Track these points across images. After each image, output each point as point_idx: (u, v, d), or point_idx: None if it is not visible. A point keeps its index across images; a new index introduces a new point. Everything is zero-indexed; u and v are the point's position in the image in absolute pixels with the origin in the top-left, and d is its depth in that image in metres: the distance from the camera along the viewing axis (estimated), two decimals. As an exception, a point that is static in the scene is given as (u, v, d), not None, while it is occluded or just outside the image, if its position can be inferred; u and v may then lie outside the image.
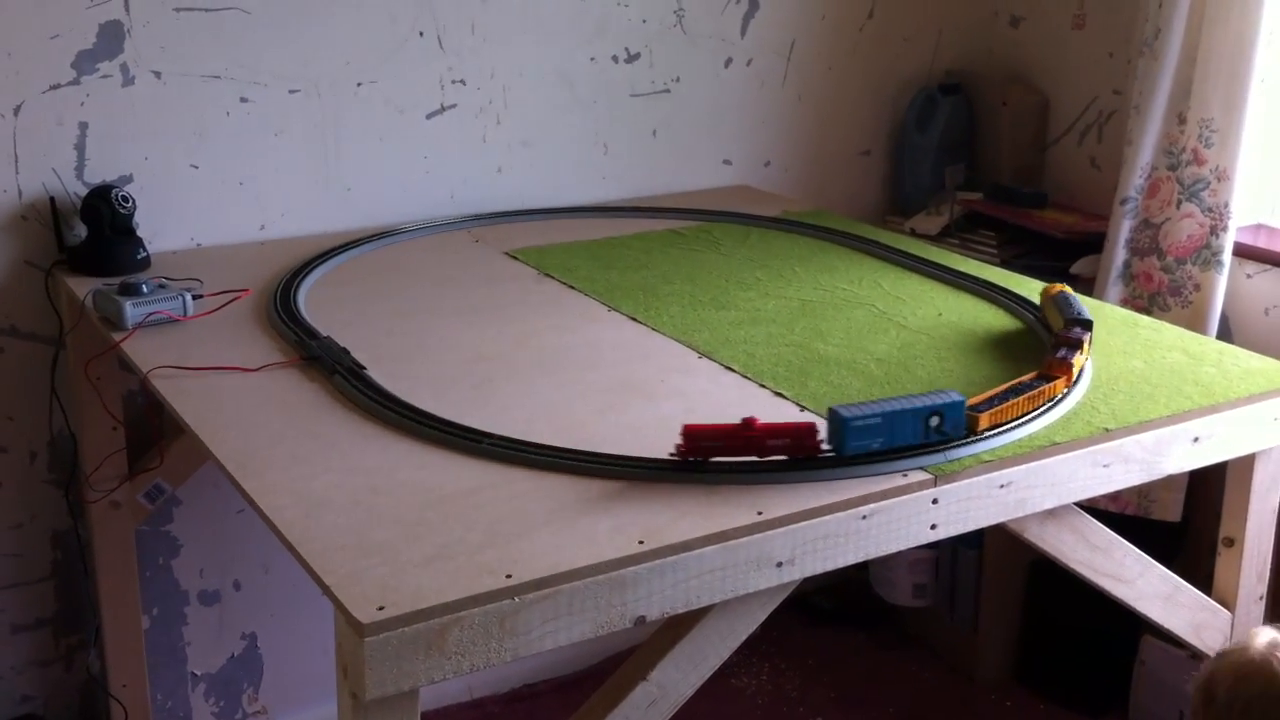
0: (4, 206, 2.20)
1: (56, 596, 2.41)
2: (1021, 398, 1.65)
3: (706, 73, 2.80)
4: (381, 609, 1.23)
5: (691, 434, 1.50)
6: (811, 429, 1.51)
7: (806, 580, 1.48)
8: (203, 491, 2.44)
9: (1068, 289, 2.03)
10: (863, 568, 2.97)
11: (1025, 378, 1.71)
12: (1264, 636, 1.48)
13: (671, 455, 1.51)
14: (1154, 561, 1.82)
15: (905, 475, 1.51)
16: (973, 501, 1.55)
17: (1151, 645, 2.59)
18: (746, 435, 1.50)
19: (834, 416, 1.52)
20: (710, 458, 1.50)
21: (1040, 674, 2.83)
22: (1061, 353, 1.76)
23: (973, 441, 1.57)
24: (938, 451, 1.54)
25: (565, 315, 2.04)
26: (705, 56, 2.79)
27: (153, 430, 2.31)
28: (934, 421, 1.55)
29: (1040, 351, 1.88)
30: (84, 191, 2.22)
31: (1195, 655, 1.95)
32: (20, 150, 2.19)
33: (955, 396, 1.57)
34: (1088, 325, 1.86)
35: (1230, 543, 1.91)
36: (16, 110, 2.17)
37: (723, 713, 2.74)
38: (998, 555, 2.77)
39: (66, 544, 2.39)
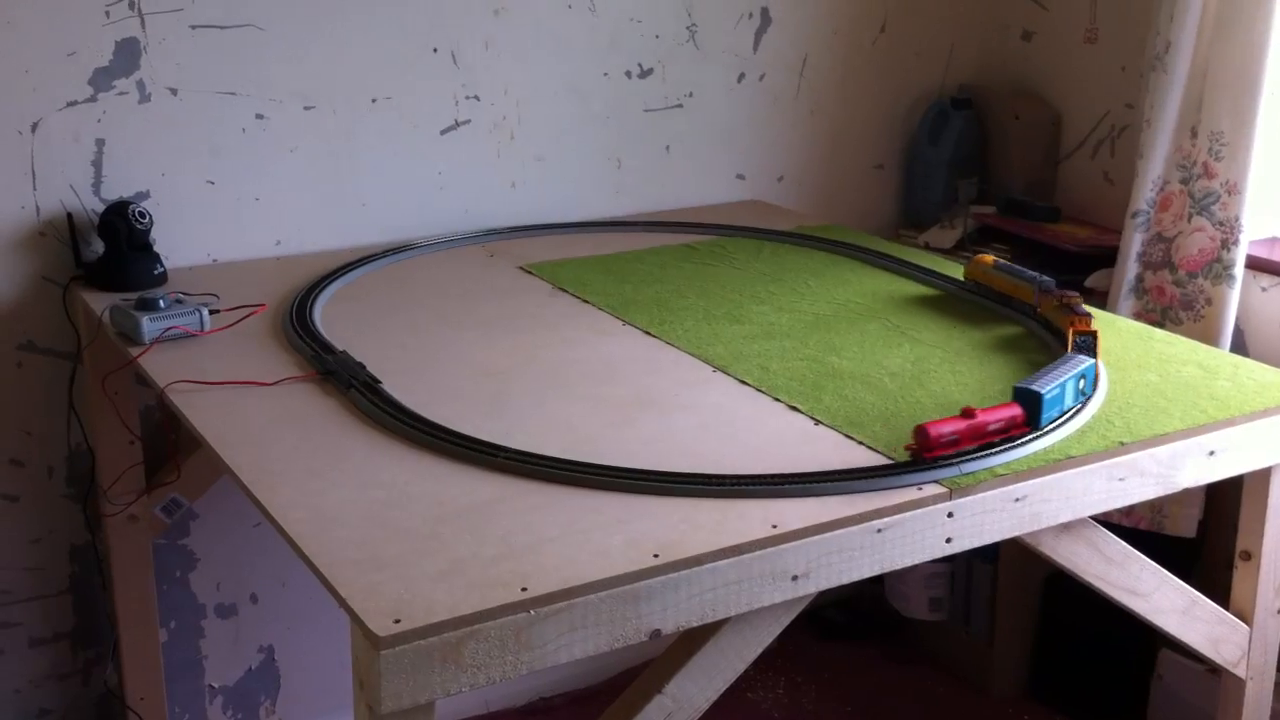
0: (22, 223, 2.22)
1: (74, 610, 2.42)
2: (1095, 351, 1.84)
3: (719, 88, 2.81)
4: (397, 622, 1.23)
5: (925, 432, 1.54)
6: (1021, 411, 1.62)
7: (822, 594, 1.48)
8: (220, 505, 2.46)
9: (998, 258, 2.19)
10: (878, 581, 2.97)
11: (1071, 340, 1.85)
12: None
13: (909, 455, 1.57)
14: (1170, 575, 1.82)
15: (920, 489, 1.51)
16: (987, 515, 1.55)
17: (1169, 659, 2.58)
18: (974, 424, 1.56)
19: (1029, 394, 1.63)
20: (943, 452, 1.55)
21: (1056, 688, 2.82)
22: (1080, 310, 1.93)
23: (987, 454, 1.57)
24: (951, 464, 1.54)
25: (579, 329, 2.05)
26: (718, 71, 2.80)
27: (169, 444, 2.33)
28: (1081, 384, 1.72)
29: (1041, 355, 1.89)
30: (101, 208, 2.24)
31: (1213, 669, 1.95)
32: (38, 167, 2.21)
33: (1088, 359, 1.76)
34: (1053, 284, 2.05)
35: (1247, 556, 1.90)
36: (34, 127, 2.19)
37: (737, 727, 2.74)
38: (1013, 568, 2.77)
39: (84, 558, 2.40)
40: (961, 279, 2.27)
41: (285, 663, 2.62)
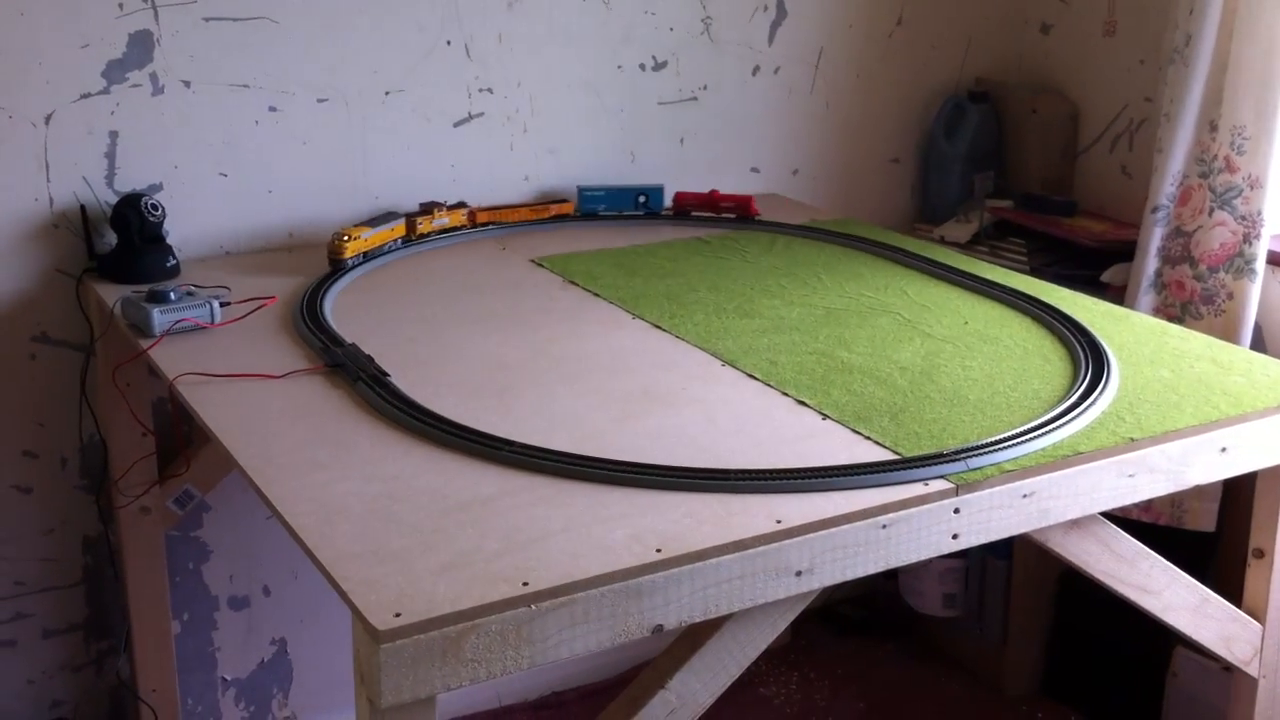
0: (36, 215, 2.23)
1: (87, 601, 2.43)
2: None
3: (734, 81, 2.80)
4: (398, 616, 1.23)
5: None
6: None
7: (836, 589, 1.47)
8: (233, 497, 2.46)
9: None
10: (892, 576, 2.96)
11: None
12: None
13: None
14: (1181, 572, 1.80)
15: (926, 484, 1.50)
16: (995, 511, 1.54)
17: (1184, 657, 2.56)
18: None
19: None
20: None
21: (1071, 686, 2.81)
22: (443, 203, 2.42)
23: (995, 450, 1.56)
24: (958, 460, 1.53)
25: (588, 323, 2.04)
26: (733, 64, 2.79)
27: (181, 436, 2.33)
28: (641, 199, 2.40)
29: (1062, 352, 1.88)
30: (114, 200, 2.25)
31: (1228, 667, 1.93)
32: (51, 159, 2.21)
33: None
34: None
35: (1260, 554, 1.89)
36: (48, 119, 2.19)
37: (749, 722, 2.73)
38: (1027, 565, 2.75)
39: (97, 549, 2.41)
40: (975, 272, 2.26)
41: (298, 655, 2.62)
